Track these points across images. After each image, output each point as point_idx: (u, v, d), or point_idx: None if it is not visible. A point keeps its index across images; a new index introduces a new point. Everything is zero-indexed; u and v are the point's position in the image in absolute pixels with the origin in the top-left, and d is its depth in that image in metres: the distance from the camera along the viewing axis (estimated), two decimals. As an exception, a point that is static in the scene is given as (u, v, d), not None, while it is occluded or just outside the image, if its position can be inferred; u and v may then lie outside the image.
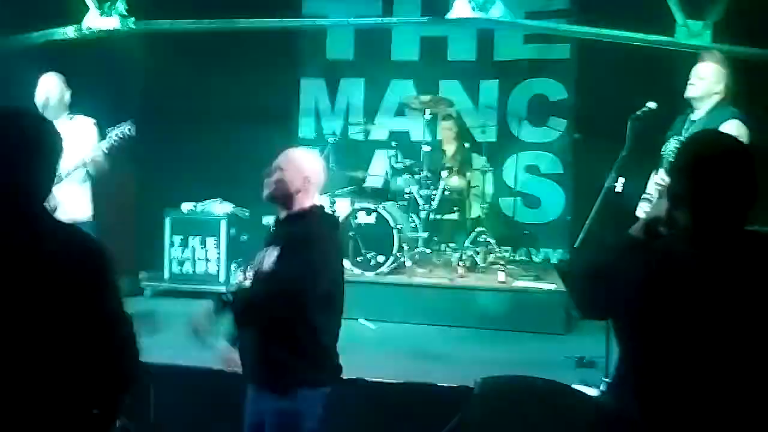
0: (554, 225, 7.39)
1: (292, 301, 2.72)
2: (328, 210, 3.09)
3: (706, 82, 4.07)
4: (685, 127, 4.15)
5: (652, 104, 4.39)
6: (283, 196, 2.89)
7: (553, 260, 7.04)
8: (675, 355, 1.90)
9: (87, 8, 6.07)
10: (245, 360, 2.90)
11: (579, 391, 3.69)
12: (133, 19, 6.14)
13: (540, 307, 5.84)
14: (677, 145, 4.09)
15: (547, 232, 7.35)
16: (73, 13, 6.16)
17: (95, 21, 6.13)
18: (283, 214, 2.94)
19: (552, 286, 5.98)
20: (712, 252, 1.90)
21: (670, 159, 4.22)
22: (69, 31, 6.17)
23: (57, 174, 2.05)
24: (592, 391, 4.05)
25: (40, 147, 1.93)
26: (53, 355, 1.82)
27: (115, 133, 4.61)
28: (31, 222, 1.87)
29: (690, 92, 4.12)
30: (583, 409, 3.13)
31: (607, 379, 4.06)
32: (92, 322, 1.86)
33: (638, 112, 4.34)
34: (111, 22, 6.13)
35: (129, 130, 4.66)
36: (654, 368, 1.94)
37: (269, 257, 2.84)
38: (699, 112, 4.13)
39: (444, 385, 4.13)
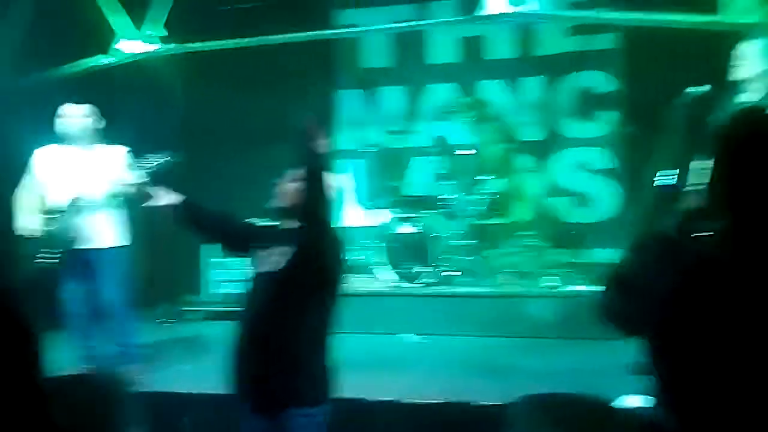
0: (608, 223, 7.01)
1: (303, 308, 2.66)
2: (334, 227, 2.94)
3: (752, 61, 3.73)
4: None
5: (698, 88, 4.06)
6: (297, 207, 2.77)
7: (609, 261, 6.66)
8: (715, 373, 1.64)
9: (120, 34, 6.11)
10: (237, 378, 2.79)
11: (624, 408, 3.40)
12: (171, 44, 6.19)
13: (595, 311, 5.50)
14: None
15: (600, 231, 6.98)
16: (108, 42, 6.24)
17: (131, 45, 6.18)
18: (293, 224, 2.81)
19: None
20: (757, 256, 1.63)
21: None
22: (106, 58, 6.23)
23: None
24: (649, 401, 3.75)
25: None
26: None
27: (152, 164, 4.54)
28: None
29: (734, 75, 3.79)
30: (628, 427, 2.84)
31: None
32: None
33: (683, 98, 4.03)
34: (147, 46, 6.18)
35: (168, 162, 4.58)
36: (694, 391, 1.69)
37: (280, 259, 2.72)
38: (751, 95, 3.79)
39: (486, 403, 3.88)
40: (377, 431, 3.89)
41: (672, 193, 4.06)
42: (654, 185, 4.15)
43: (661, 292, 1.75)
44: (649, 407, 3.60)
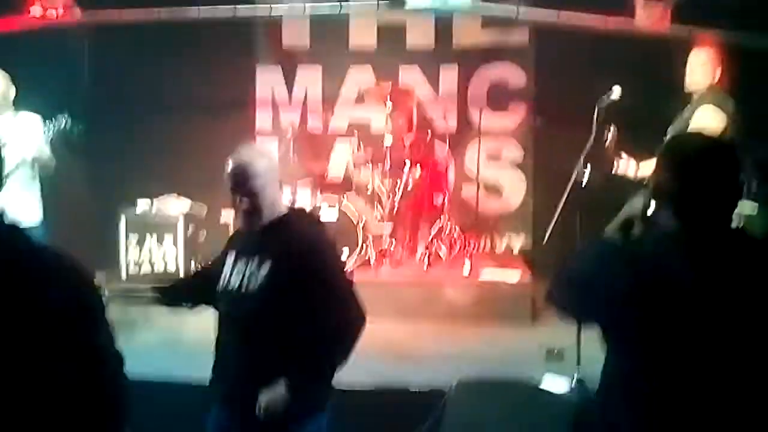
0: (517, 213, 7.33)
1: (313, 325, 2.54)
2: (305, 208, 2.87)
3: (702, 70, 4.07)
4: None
5: (617, 91, 4.33)
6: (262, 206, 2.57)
7: (516, 248, 6.99)
8: (668, 362, 1.82)
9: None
10: (225, 384, 2.65)
11: (551, 392, 3.65)
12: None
13: (506, 297, 5.81)
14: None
15: (510, 219, 7.29)
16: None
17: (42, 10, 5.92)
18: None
19: (516, 276, 5.99)
20: (702, 252, 1.84)
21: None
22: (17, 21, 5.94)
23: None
24: (563, 383, 4.00)
25: None
26: (25, 397, 1.49)
27: (51, 126, 4.47)
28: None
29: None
30: (556, 410, 3.07)
31: (578, 366, 4.05)
32: (73, 358, 1.53)
33: (604, 97, 4.30)
34: (58, 11, 5.95)
35: (65, 123, 4.56)
36: (645, 375, 1.86)
37: (260, 272, 2.55)
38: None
39: (415, 390, 4.05)
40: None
41: (588, 187, 4.33)
42: (572, 182, 4.40)
43: (607, 288, 1.91)
44: (571, 390, 3.87)
